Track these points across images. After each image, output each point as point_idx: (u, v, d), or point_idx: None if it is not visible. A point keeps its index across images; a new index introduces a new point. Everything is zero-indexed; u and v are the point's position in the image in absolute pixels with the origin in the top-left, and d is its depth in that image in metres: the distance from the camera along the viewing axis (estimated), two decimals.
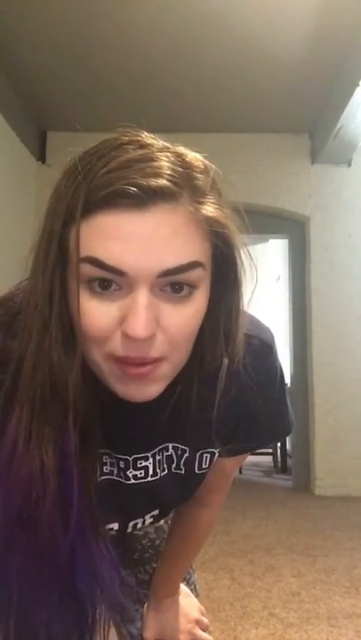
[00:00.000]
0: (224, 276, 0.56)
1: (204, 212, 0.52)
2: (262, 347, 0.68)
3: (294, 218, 4.22)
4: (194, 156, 0.54)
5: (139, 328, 0.49)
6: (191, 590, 0.97)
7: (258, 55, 3.25)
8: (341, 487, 3.83)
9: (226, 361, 0.60)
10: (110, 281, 0.50)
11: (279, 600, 1.97)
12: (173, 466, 0.70)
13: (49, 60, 3.34)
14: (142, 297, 0.49)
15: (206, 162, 0.55)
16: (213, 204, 0.53)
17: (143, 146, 0.52)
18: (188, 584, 0.97)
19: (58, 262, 0.52)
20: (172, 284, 0.51)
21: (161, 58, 3.31)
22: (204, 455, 0.71)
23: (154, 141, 0.53)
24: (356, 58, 3.13)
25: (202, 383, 0.62)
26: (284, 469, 4.84)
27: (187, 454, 0.69)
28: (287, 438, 4.76)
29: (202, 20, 2.95)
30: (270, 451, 5.20)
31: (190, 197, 0.51)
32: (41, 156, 4.14)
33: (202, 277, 0.52)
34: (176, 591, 0.91)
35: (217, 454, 0.72)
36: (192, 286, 0.52)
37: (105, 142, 0.53)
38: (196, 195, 0.52)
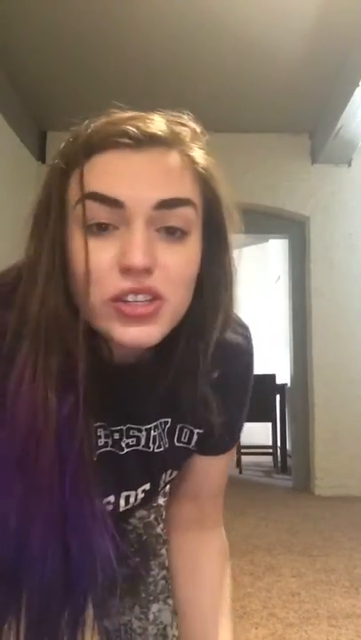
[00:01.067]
0: (213, 232, 0.58)
1: (194, 158, 0.56)
2: (242, 347, 0.71)
3: (294, 218, 4.21)
4: (192, 122, 0.61)
5: (138, 256, 0.50)
6: None
7: (258, 55, 3.25)
8: (341, 487, 3.83)
9: (217, 333, 0.61)
10: (107, 224, 0.52)
11: (279, 600, 1.97)
12: (167, 441, 0.70)
13: (49, 60, 3.34)
14: (140, 229, 0.51)
15: (200, 129, 0.62)
16: (203, 154, 0.58)
17: (145, 112, 0.57)
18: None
19: (60, 212, 0.54)
20: (167, 227, 0.53)
21: (161, 58, 3.32)
22: (185, 430, 0.71)
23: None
24: (357, 58, 3.13)
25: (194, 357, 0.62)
26: (284, 469, 4.83)
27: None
28: (287, 438, 4.77)
29: (202, 20, 2.95)
30: (270, 451, 5.20)
31: (182, 146, 0.56)
32: (41, 156, 4.14)
33: (194, 221, 0.55)
34: None
35: (196, 435, 0.72)
36: (184, 231, 0.54)
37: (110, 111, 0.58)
38: (188, 144, 0.57)
